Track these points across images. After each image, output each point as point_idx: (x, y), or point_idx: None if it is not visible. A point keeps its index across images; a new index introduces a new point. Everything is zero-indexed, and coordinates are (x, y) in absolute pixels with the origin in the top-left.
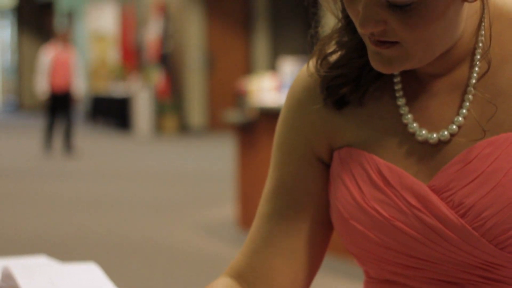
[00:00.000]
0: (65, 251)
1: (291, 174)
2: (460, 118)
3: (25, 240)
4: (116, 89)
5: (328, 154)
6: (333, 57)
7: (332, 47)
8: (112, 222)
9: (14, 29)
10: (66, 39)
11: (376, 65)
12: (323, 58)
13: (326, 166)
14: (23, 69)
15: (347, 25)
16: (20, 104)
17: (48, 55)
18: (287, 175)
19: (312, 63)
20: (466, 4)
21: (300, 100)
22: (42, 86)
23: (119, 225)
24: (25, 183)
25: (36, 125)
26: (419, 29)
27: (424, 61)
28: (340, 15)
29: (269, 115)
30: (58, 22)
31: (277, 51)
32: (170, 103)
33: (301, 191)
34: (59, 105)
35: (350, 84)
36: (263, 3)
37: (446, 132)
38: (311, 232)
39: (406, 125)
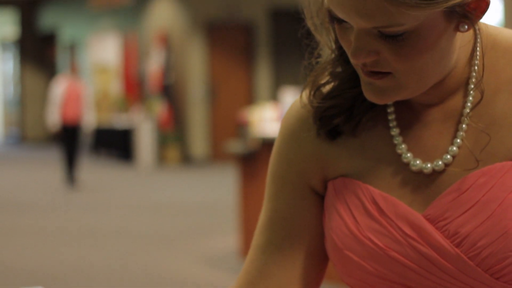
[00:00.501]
0: (65, 283)
1: (286, 205)
2: (455, 148)
3: (24, 272)
4: (119, 121)
5: (322, 184)
6: (326, 88)
7: (325, 78)
8: (114, 253)
9: (17, 61)
10: (75, 70)
11: (369, 95)
12: (316, 89)
13: (321, 197)
14: (25, 101)
15: (340, 55)
16: (23, 136)
17: (60, 87)
18: (282, 206)
19: (305, 94)
20: (459, 34)
21: (293, 131)
22: (53, 118)
23: (121, 257)
24: (26, 215)
25: (39, 158)
26: (412, 59)
27: (417, 91)
28: (333, 45)
29: (271, 145)
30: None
31: (279, 81)
32: (173, 134)
33: (295, 222)
34: (68, 136)
35: (343, 115)
36: (265, 33)
37: (440, 162)
38: (306, 263)
39: (400, 155)
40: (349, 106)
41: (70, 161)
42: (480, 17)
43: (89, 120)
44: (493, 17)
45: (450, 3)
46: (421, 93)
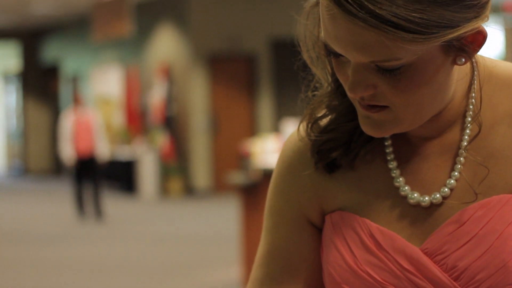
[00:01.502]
0: None
1: (283, 238)
2: (452, 181)
3: None
4: (122, 152)
5: (320, 218)
6: (324, 121)
7: (322, 111)
8: (118, 284)
9: (20, 93)
10: (79, 102)
11: (366, 129)
12: (314, 122)
13: (318, 230)
14: (28, 133)
15: (337, 88)
16: (26, 168)
17: (68, 120)
18: (279, 239)
19: (302, 127)
20: (456, 67)
21: (291, 164)
22: (67, 152)
23: None
24: (30, 246)
25: (42, 189)
26: (409, 92)
27: (414, 124)
28: (329, 78)
29: None
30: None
31: (281, 112)
32: (175, 165)
33: (293, 256)
34: (85, 170)
35: (341, 148)
36: (266, 65)
37: (438, 195)
38: None
39: (398, 188)
40: (346, 140)
41: (94, 194)
42: (477, 50)
43: (104, 150)
44: (493, 48)
45: (447, 37)
46: (418, 126)
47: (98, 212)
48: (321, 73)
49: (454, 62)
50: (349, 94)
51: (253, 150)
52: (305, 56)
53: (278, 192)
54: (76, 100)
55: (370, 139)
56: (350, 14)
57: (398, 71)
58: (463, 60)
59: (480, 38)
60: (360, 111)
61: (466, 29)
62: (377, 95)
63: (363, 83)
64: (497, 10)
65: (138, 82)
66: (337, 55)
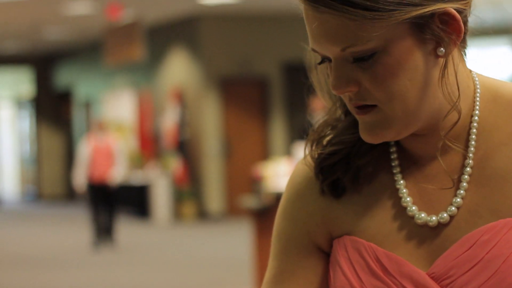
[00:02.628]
0: None
1: (291, 263)
2: (459, 199)
3: None
4: (135, 177)
5: (328, 243)
6: (327, 139)
7: (326, 130)
8: None
9: (33, 119)
10: (103, 127)
11: (362, 135)
12: (318, 140)
13: (326, 254)
14: (42, 158)
15: (340, 107)
16: (39, 194)
17: (86, 146)
18: (287, 264)
19: (307, 149)
20: (451, 72)
21: (299, 190)
22: (79, 178)
23: None
24: (43, 272)
25: (56, 215)
26: (388, 82)
27: (408, 125)
28: (334, 98)
29: None
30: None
31: (294, 136)
32: (188, 189)
33: (300, 280)
34: (101, 196)
35: (343, 162)
36: (278, 88)
37: (445, 214)
38: None
39: (405, 208)
40: (348, 152)
41: (109, 222)
42: (458, 39)
43: (115, 175)
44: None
45: (408, 15)
46: (413, 129)
47: (110, 239)
48: (323, 93)
49: (436, 54)
50: (333, 92)
51: (265, 173)
52: (314, 80)
53: (286, 217)
54: (98, 126)
55: (371, 149)
56: (314, 2)
57: (371, 59)
58: (442, 50)
59: (455, 25)
60: (357, 118)
61: (430, 8)
62: (362, 93)
63: (344, 79)
64: (507, 31)
65: (151, 107)
66: (324, 60)
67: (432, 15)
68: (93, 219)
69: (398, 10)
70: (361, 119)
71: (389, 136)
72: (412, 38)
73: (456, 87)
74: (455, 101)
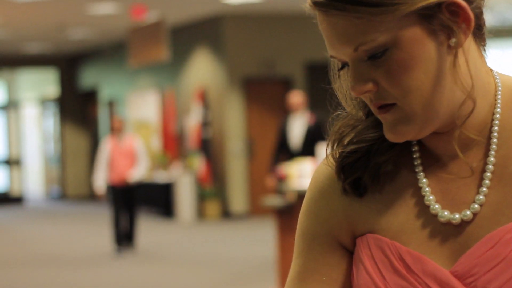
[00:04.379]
0: None
1: (315, 260)
2: (481, 197)
3: None
4: (159, 177)
5: (351, 241)
6: (348, 139)
7: (346, 130)
8: None
9: (57, 119)
10: (121, 128)
11: (386, 134)
12: (339, 140)
13: (350, 252)
14: (66, 158)
15: (360, 109)
16: (64, 193)
17: (106, 147)
18: (311, 261)
19: (329, 149)
20: (462, 62)
21: (322, 188)
22: (98, 180)
23: None
24: (67, 271)
25: (80, 214)
26: (402, 77)
27: (429, 121)
28: (354, 105)
29: None
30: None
31: None
32: (212, 189)
33: (324, 278)
34: (121, 198)
35: (363, 160)
36: (301, 88)
37: (468, 212)
38: None
39: (428, 207)
40: (368, 150)
41: (130, 224)
42: (468, 29)
43: (135, 174)
44: None
45: (414, 7)
46: (435, 126)
47: (131, 245)
48: (346, 98)
49: (448, 46)
50: (353, 94)
51: (288, 172)
52: (336, 88)
53: (310, 215)
54: (115, 126)
55: (392, 146)
56: (323, 6)
57: (385, 56)
58: (455, 40)
59: (464, 14)
60: (380, 119)
61: None
62: (380, 92)
63: (361, 79)
64: None
65: (175, 107)
66: (343, 66)
67: (439, 5)
68: (114, 224)
69: (402, 2)
70: (383, 118)
71: (412, 133)
72: (422, 30)
73: (470, 77)
74: (469, 90)
